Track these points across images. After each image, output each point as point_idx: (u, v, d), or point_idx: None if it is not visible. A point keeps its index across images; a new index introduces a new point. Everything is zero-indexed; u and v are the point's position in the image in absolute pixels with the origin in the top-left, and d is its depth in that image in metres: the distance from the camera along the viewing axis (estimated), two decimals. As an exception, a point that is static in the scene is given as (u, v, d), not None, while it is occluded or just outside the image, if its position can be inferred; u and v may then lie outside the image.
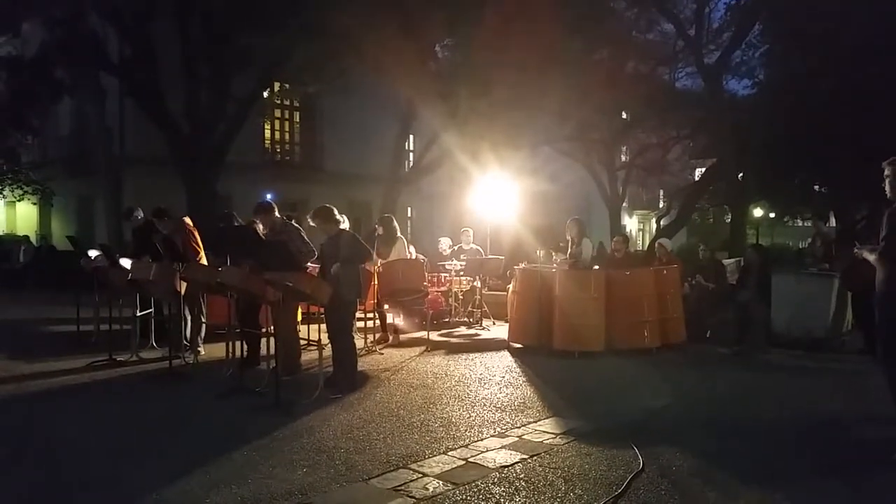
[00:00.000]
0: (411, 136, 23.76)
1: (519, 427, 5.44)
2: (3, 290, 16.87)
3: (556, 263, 9.71)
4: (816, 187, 24.77)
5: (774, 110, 17.66)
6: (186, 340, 8.01)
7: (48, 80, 17.58)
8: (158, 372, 7.28)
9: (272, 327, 6.79)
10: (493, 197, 13.57)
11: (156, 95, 15.68)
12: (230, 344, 7.07)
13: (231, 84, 15.90)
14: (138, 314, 8.30)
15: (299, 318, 8.46)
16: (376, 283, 9.07)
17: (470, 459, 4.66)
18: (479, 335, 10.57)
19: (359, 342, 8.11)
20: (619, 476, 4.33)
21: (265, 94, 19.59)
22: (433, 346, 9.12)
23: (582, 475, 4.38)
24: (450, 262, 11.02)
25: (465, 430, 5.33)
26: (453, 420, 5.63)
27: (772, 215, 33.00)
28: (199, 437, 5.22)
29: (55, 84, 17.85)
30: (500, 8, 14.36)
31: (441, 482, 4.24)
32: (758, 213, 31.16)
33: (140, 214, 9.03)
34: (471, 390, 6.74)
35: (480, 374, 7.51)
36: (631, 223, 40.75)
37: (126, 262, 7.95)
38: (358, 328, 8.54)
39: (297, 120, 24.70)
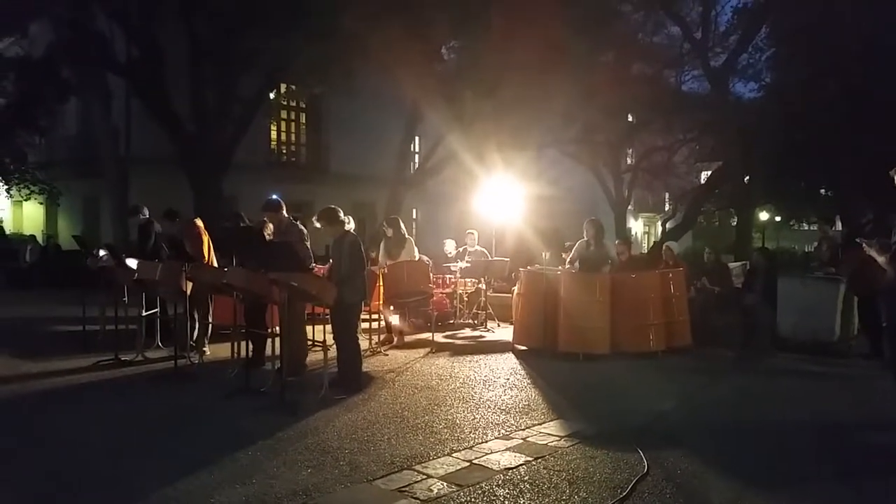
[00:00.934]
0: (417, 138, 23.74)
1: (523, 429, 5.43)
2: (10, 289, 16.96)
3: (565, 265, 9.56)
4: (822, 191, 24.74)
5: (781, 113, 17.64)
6: (192, 340, 8.03)
7: (55, 80, 17.68)
8: (164, 372, 7.29)
9: (277, 328, 6.80)
10: (499, 199, 13.56)
11: (162, 96, 15.73)
12: (235, 344, 7.08)
13: (237, 85, 15.94)
14: (144, 314, 8.32)
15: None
16: (381, 284, 9.08)
17: (474, 461, 4.66)
18: (483, 337, 10.55)
19: (363, 343, 8.12)
20: (624, 479, 4.33)
21: (271, 96, 19.64)
22: (438, 348, 9.12)
23: (586, 478, 4.37)
24: (455, 264, 11.02)
25: (470, 432, 5.32)
26: (458, 422, 5.62)
27: (777, 219, 32.91)
28: (204, 436, 5.22)
29: (62, 84, 17.95)
30: (506, 10, 14.38)
31: (445, 484, 4.24)
32: (764, 216, 31.08)
33: (145, 213, 9.06)
34: (475, 392, 6.74)
35: (485, 376, 7.51)
36: (636, 226, 40.68)
37: (132, 262, 7.97)
38: (363, 329, 8.55)
39: (303, 121, 24.76)
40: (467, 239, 12.11)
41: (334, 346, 6.85)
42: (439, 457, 4.73)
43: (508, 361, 8.45)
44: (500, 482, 4.29)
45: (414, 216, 26.40)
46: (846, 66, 16.71)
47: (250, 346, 6.98)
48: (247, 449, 4.81)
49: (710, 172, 27.08)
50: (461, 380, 7.30)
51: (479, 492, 4.12)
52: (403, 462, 4.60)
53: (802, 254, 26.09)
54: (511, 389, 6.90)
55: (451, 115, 16.90)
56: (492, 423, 5.62)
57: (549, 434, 5.32)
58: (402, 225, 9.64)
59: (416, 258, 9.50)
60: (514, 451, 4.88)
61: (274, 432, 5.19)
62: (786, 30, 18.95)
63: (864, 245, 5.84)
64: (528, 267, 10.28)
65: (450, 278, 11.13)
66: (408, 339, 9.58)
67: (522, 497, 4.06)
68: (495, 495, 4.08)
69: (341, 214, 7.02)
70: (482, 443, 5.07)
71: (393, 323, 9.35)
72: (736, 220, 24.23)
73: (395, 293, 8.98)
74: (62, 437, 5.17)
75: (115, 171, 19.37)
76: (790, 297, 9.27)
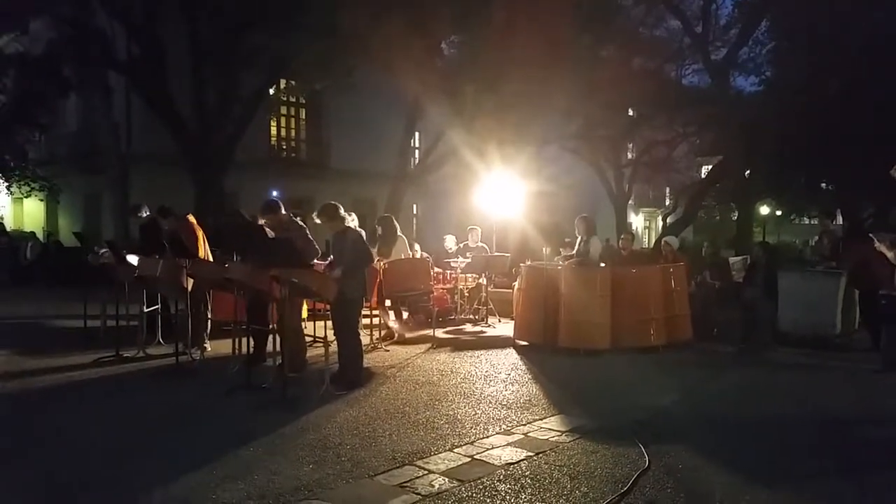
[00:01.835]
0: (417, 134, 23.70)
1: (524, 424, 5.44)
2: (11, 286, 16.98)
3: (562, 261, 9.68)
4: (823, 185, 24.72)
5: (781, 107, 17.60)
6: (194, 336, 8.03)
7: (56, 77, 17.64)
8: (165, 368, 7.30)
9: (276, 324, 6.80)
10: (499, 194, 13.55)
11: (163, 93, 15.70)
12: (236, 340, 7.09)
13: (238, 82, 15.91)
14: (145, 310, 8.33)
15: (305, 314, 8.51)
16: (381, 280, 9.08)
17: (475, 457, 4.67)
18: (484, 333, 10.57)
19: (364, 339, 8.13)
20: (625, 474, 4.33)
21: (272, 92, 19.60)
22: (438, 344, 9.13)
23: (587, 473, 4.38)
24: (455, 260, 11.02)
25: (471, 428, 5.33)
26: (459, 417, 5.63)
27: (778, 213, 32.91)
28: (206, 433, 5.23)
29: (62, 81, 17.91)
30: (506, 5, 14.34)
31: (446, 479, 4.25)
32: (764, 210, 31.08)
33: (146, 211, 9.07)
34: (476, 388, 6.75)
35: (486, 372, 7.52)
36: (637, 221, 40.65)
37: (133, 259, 7.98)
38: (364, 325, 8.55)
39: (304, 117, 24.72)
40: (468, 235, 12.12)
41: (335, 341, 6.86)
42: (440, 452, 4.74)
43: (509, 357, 8.46)
44: (501, 477, 4.30)
45: (414, 212, 26.40)
46: (847, 60, 16.68)
47: (251, 343, 6.99)
48: (248, 445, 4.82)
49: (710, 167, 27.07)
50: (462, 375, 7.31)
51: (481, 487, 4.13)
52: (405, 457, 4.61)
53: (801, 248, 26.06)
54: (512, 385, 6.91)
55: (451, 110, 16.87)
56: (493, 418, 5.63)
57: (550, 429, 5.33)
58: (395, 223, 9.63)
59: (411, 255, 9.49)
60: (515, 447, 4.88)
61: (275, 428, 5.20)
62: (786, 24, 18.91)
63: (875, 240, 5.82)
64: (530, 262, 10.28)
65: (450, 274, 11.13)
66: (409, 335, 9.59)
67: (524, 492, 4.07)
68: (496, 490, 4.09)
69: (342, 210, 7.02)
70: (483, 438, 5.07)
71: (390, 324, 9.34)
72: (736, 214, 24.23)
73: (395, 289, 8.99)
74: (63, 435, 5.18)
75: (115, 168, 19.34)
76: (791, 291, 9.28)
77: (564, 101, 17.55)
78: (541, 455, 4.71)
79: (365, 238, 6.94)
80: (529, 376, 7.37)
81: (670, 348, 8.72)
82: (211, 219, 11.49)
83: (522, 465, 4.53)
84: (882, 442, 5.38)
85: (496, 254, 12.15)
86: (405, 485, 4.15)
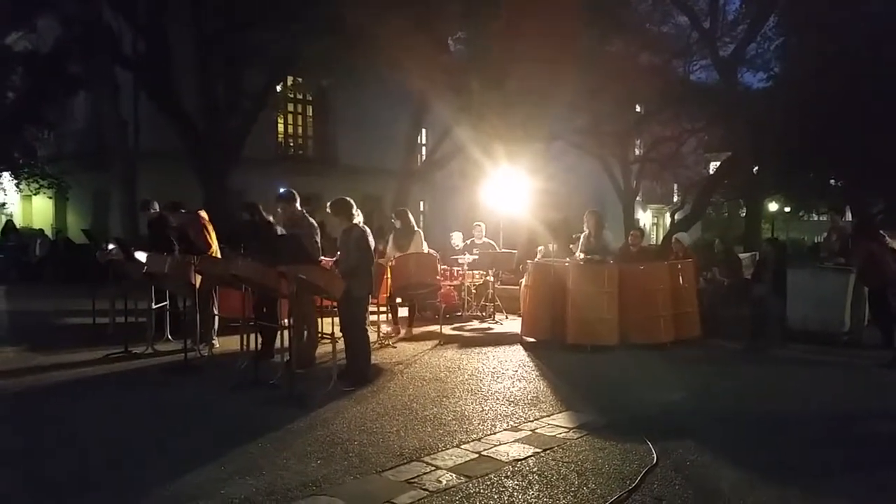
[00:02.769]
0: (424, 130, 23.71)
1: (532, 421, 5.44)
2: (20, 282, 17.04)
3: (579, 258, 9.43)
4: (832, 181, 24.60)
5: (789, 103, 17.51)
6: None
7: (63, 74, 17.71)
8: (173, 364, 7.31)
9: (286, 320, 6.81)
10: (506, 191, 13.53)
11: (170, 90, 15.75)
12: (244, 336, 7.10)
13: (245, 79, 15.94)
14: (154, 307, 8.36)
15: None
16: (389, 276, 9.08)
17: (483, 453, 4.66)
18: (491, 329, 10.56)
19: (372, 335, 8.13)
20: (633, 470, 4.33)
21: (278, 89, 19.62)
22: (446, 340, 9.13)
23: (595, 469, 4.37)
24: (462, 256, 11.01)
25: (478, 424, 5.33)
26: (466, 414, 5.63)
27: (787, 209, 32.75)
28: (214, 428, 5.24)
29: (70, 79, 17.98)
30: (513, 0, 14.30)
31: (454, 475, 4.24)
32: (773, 207, 30.92)
33: (156, 207, 9.10)
34: (483, 384, 6.74)
35: (493, 368, 7.51)
36: (645, 217, 40.52)
37: (141, 255, 8.00)
38: (371, 321, 8.56)
39: (311, 114, 24.73)
40: (475, 231, 12.11)
41: (342, 338, 6.86)
42: (448, 448, 4.74)
43: (517, 353, 8.46)
44: (508, 473, 4.29)
45: (421, 208, 26.39)
46: (855, 54, 16.58)
47: (259, 339, 7.00)
48: (256, 441, 4.83)
49: (718, 163, 26.94)
50: (469, 371, 7.31)
51: (488, 483, 4.13)
52: (412, 454, 4.61)
53: (810, 246, 25.94)
54: (519, 381, 6.90)
55: (458, 106, 16.84)
56: (500, 414, 5.63)
57: (557, 426, 5.32)
58: (410, 216, 9.65)
59: (425, 251, 9.50)
60: (522, 443, 4.88)
61: (283, 424, 5.21)
62: (794, 19, 18.81)
63: (885, 236, 5.80)
64: (538, 258, 10.26)
65: (458, 271, 11.13)
66: (416, 331, 9.59)
67: (531, 488, 4.07)
68: (504, 487, 4.08)
69: (354, 208, 6.96)
70: (491, 434, 5.07)
71: (382, 326, 9.29)
72: (745, 210, 24.10)
73: (402, 285, 8.99)
74: (72, 430, 5.20)
75: (123, 165, 19.39)
76: (800, 287, 9.24)
77: (571, 97, 17.49)
78: (548, 451, 4.70)
79: (371, 235, 6.91)
80: (537, 373, 7.36)
81: (678, 345, 8.70)
82: (223, 215, 11.51)
83: (530, 461, 4.52)
84: (891, 438, 5.36)
85: (503, 250, 12.14)
86: (413, 481, 4.15)
